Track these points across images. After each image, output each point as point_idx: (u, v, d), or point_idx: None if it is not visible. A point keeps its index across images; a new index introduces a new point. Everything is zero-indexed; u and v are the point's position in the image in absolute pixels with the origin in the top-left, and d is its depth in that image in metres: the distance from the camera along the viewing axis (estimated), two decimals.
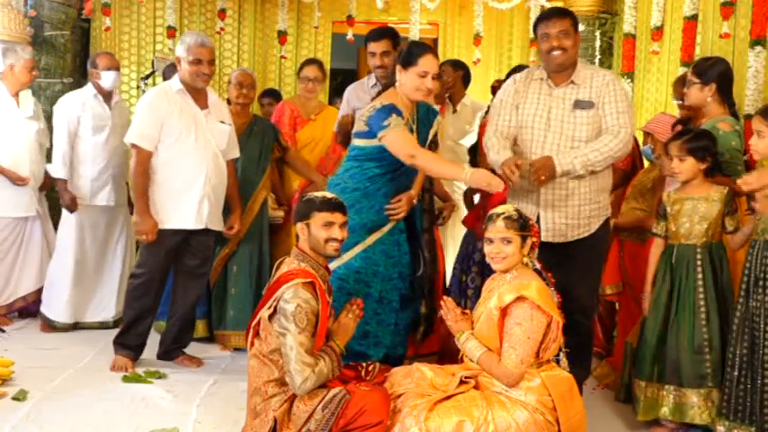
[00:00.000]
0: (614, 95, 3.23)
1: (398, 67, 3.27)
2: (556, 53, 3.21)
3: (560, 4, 6.16)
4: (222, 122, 3.94)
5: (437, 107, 3.92)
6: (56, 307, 4.57)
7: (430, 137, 3.47)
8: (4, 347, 4.12)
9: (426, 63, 3.20)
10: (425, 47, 3.33)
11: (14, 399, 3.35)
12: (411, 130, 3.30)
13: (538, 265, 2.82)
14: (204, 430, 3.12)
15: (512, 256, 2.74)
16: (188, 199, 3.79)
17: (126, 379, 3.68)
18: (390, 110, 3.20)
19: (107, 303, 4.72)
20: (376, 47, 3.91)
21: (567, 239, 3.28)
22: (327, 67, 6.58)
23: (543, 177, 3.11)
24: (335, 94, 6.95)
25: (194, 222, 3.82)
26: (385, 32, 3.98)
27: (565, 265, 3.18)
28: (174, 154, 3.76)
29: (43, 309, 4.62)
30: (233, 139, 4.04)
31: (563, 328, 2.72)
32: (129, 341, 3.90)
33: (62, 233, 4.62)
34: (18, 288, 4.75)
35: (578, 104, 3.24)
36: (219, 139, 3.91)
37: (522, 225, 2.76)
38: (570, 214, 3.27)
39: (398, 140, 3.19)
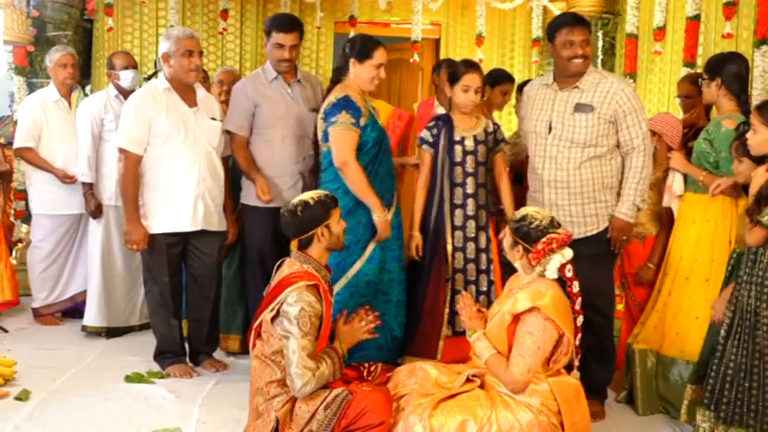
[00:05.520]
0: (629, 106, 3.26)
1: (352, 60, 3.40)
2: (578, 61, 3.28)
3: (563, 6, 6.16)
4: (213, 119, 3.81)
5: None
6: (87, 311, 4.48)
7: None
8: (7, 347, 4.12)
9: (380, 55, 3.42)
10: (377, 41, 3.47)
11: (17, 399, 3.35)
12: (372, 117, 3.41)
13: (569, 273, 2.72)
14: (206, 430, 3.12)
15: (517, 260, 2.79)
16: (182, 200, 3.67)
17: (128, 379, 3.68)
18: (342, 106, 3.33)
19: (133, 308, 4.60)
20: (287, 39, 3.71)
21: (576, 237, 3.28)
22: (329, 66, 6.61)
23: (624, 237, 3.34)
24: None
25: (189, 224, 3.70)
26: (297, 24, 3.84)
27: (574, 262, 3.17)
28: (164, 155, 3.65)
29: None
30: (225, 136, 3.89)
31: (581, 328, 2.71)
32: (170, 349, 3.82)
33: (89, 237, 4.56)
34: (68, 287, 4.75)
35: (578, 108, 3.30)
36: (210, 136, 3.77)
37: (524, 235, 2.73)
38: (575, 212, 3.31)
39: (341, 140, 3.33)
